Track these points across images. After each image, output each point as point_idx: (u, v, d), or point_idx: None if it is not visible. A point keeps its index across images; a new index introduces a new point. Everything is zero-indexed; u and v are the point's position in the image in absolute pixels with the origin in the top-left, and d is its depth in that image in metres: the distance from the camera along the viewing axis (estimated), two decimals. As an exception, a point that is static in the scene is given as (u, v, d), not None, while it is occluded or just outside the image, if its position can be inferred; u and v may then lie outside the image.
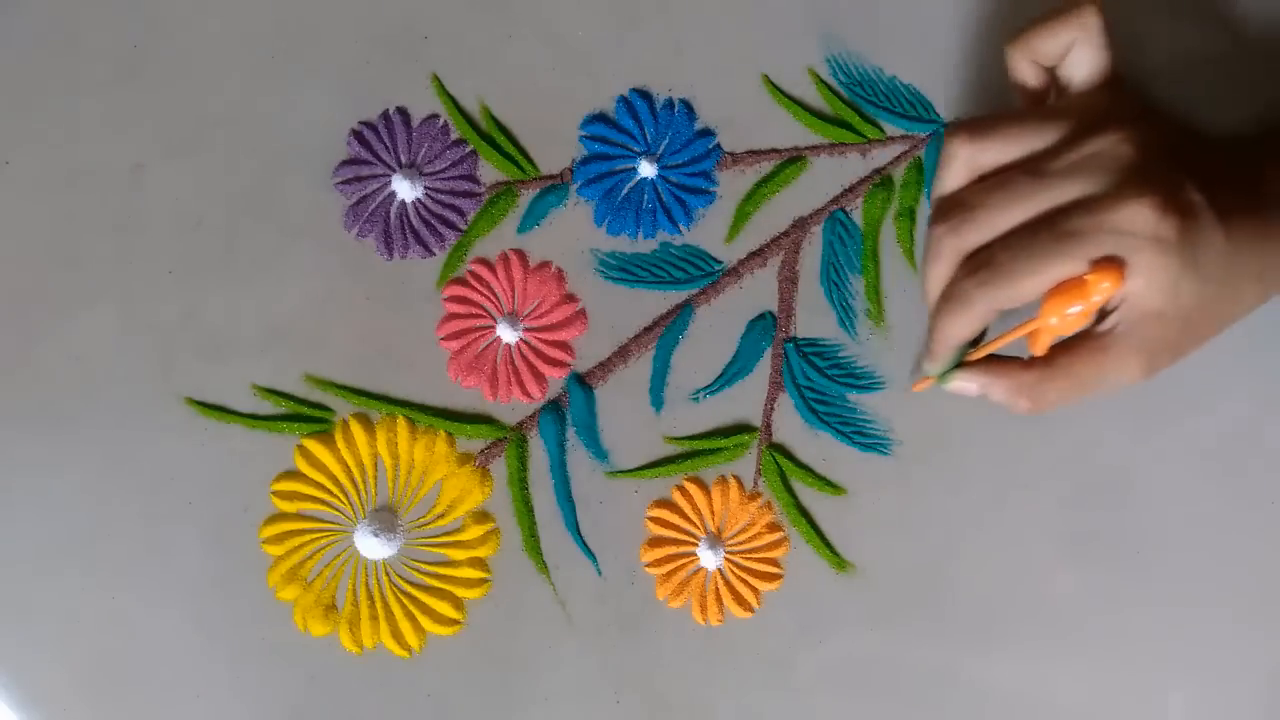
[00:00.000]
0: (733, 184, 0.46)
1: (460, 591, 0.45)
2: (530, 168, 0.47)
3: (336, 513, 0.45)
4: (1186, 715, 0.44)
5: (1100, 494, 0.45)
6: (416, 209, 0.47)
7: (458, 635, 0.45)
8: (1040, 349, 0.38)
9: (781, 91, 0.47)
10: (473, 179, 0.47)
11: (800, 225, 0.46)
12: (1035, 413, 0.39)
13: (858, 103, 0.47)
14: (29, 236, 0.47)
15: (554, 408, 0.46)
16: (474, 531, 0.45)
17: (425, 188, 0.47)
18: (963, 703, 0.44)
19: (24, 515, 0.45)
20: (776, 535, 0.45)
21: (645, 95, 0.47)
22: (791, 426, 0.46)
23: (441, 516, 0.45)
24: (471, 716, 0.45)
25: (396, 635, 0.45)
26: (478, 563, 0.45)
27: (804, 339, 0.46)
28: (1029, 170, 0.37)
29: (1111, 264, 0.35)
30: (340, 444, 0.46)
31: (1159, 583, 0.45)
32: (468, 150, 0.47)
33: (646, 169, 0.46)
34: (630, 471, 0.45)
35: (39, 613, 0.45)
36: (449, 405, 0.46)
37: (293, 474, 0.45)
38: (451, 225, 0.47)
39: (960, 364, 0.40)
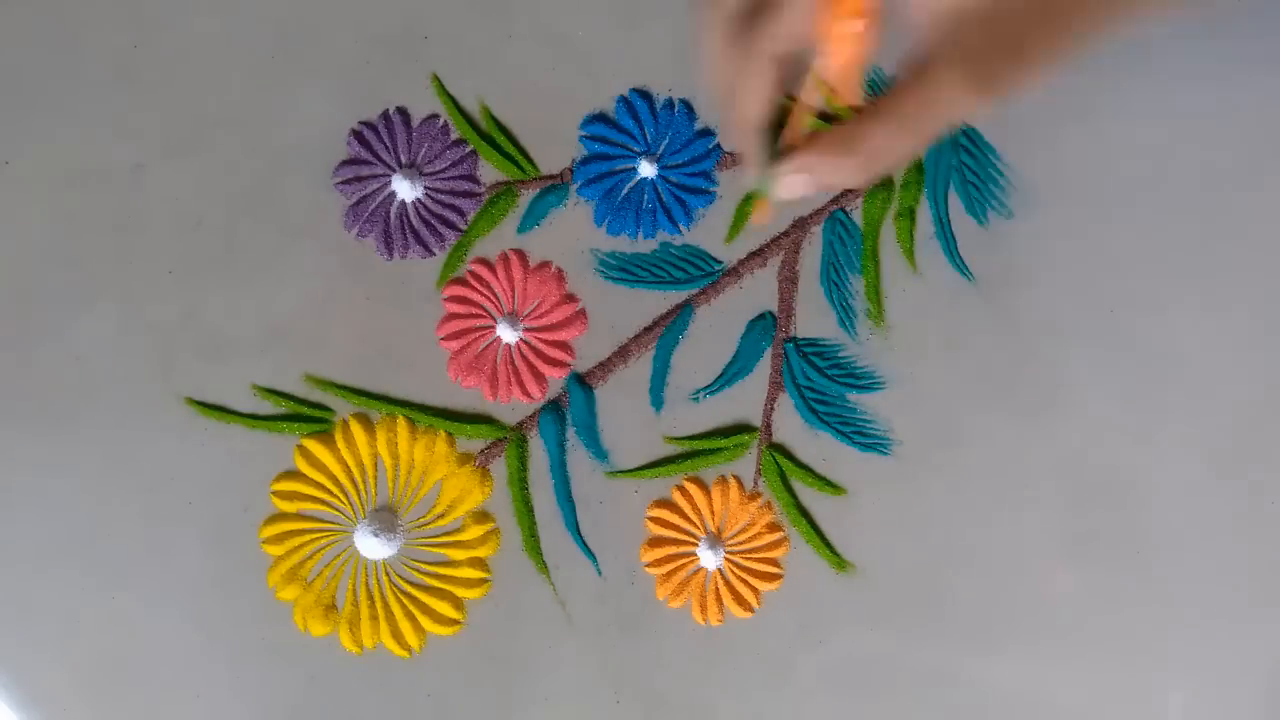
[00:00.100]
0: (733, 184, 0.46)
1: (460, 591, 0.45)
2: (530, 168, 0.47)
3: (336, 513, 0.45)
4: (1186, 715, 0.44)
5: (1100, 494, 0.45)
6: (416, 209, 0.47)
7: (458, 635, 0.45)
8: (849, 89, 0.33)
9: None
10: (473, 179, 0.47)
11: (800, 225, 0.46)
12: (871, 171, 0.33)
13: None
14: (29, 236, 0.47)
15: (554, 408, 0.46)
16: (474, 531, 0.45)
17: (425, 188, 0.47)
18: (963, 702, 0.44)
19: (24, 515, 0.45)
20: (776, 535, 0.45)
21: (645, 95, 0.47)
22: (791, 426, 0.46)
23: (441, 516, 0.45)
24: (471, 716, 0.45)
25: (396, 635, 0.45)
26: (478, 563, 0.45)
27: (804, 339, 0.46)
28: None
29: None
30: (340, 444, 0.46)
31: (1159, 583, 0.45)
32: (468, 150, 0.47)
33: (646, 169, 0.46)
34: (630, 471, 0.45)
35: (39, 613, 0.45)
36: (449, 405, 0.46)
37: (293, 474, 0.45)
38: (451, 225, 0.47)
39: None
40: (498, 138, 0.47)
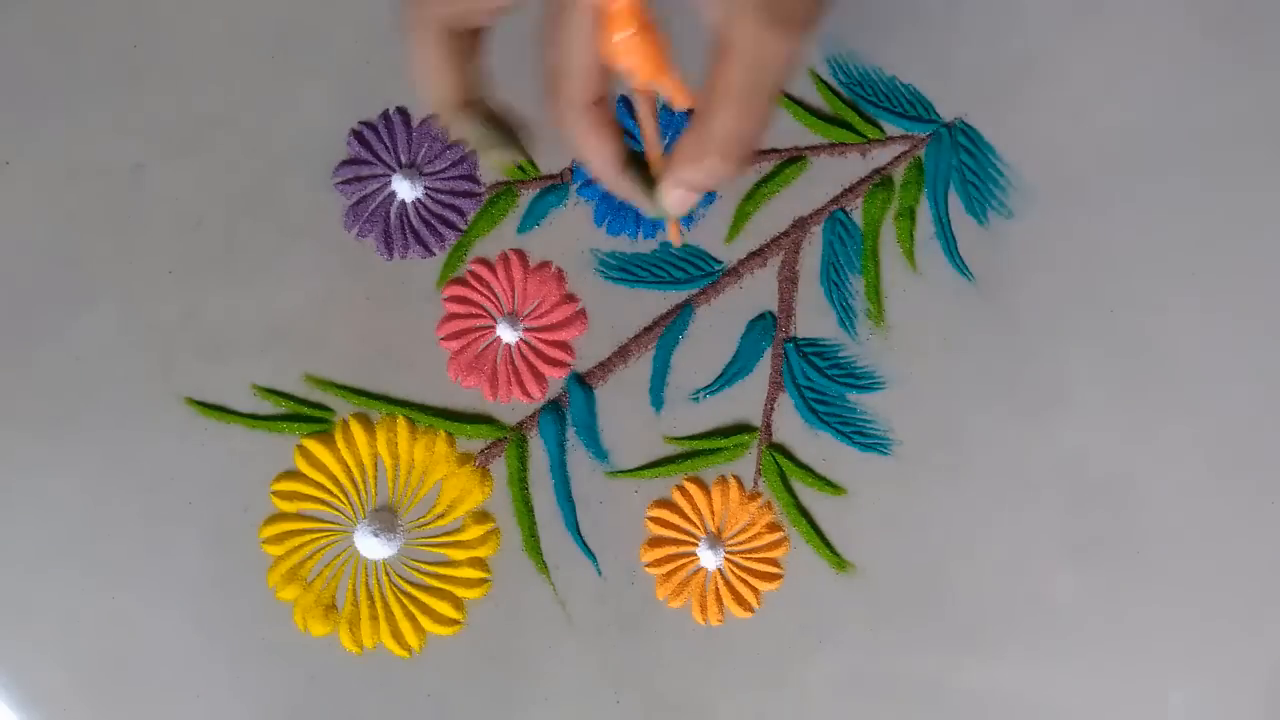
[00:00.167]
0: (733, 184, 0.46)
1: (460, 591, 0.45)
2: (530, 168, 0.47)
3: (336, 513, 0.45)
4: (1186, 715, 0.44)
5: (1100, 494, 0.45)
6: (416, 209, 0.47)
7: (458, 635, 0.45)
8: (672, 94, 0.32)
9: (781, 91, 0.47)
10: (473, 179, 0.47)
11: (800, 225, 0.46)
12: (737, 157, 0.32)
13: (857, 103, 0.47)
14: (29, 236, 0.47)
15: (554, 408, 0.46)
16: (474, 531, 0.45)
17: (425, 188, 0.47)
18: (963, 702, 0.44)
19: (24, 515, 0.45)
20: (776, 535, 0.45)
21: (645, 95, 0.47)
22: (791, 426, 0.46)
23: (441, 516, 0.45)
24: (471, 716, 0.45)
25: (396, 635, 0.45)
26: (478, 563, 0.45)
27: (804, 339, 0.46)
28: None
29: None
30: (340, 444, 0.46)
31: (1159, 583, 0.45)
32: (468, 150, 0.47)
33: (646, 169, 0.46)
34: (630, 471, 0.45)
35: (39, 613, 0.45)
36: (449, 405, 0.46)
37: (293, 474, 0.45)
38: (451, 225, 0.47)
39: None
40: (498, 138, 0.47)
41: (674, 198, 0.34)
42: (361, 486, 0.45)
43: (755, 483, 0.45)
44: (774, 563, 0.45)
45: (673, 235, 0.38)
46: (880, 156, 0.47)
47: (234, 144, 0.47)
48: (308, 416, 0.46)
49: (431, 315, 0.46)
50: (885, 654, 0.45)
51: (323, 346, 0.46)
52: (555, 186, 0.47)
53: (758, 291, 0.46)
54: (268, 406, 0.46)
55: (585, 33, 0.30)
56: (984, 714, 0.44)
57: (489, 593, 0.45)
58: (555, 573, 0.45)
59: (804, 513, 0.45)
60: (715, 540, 0.45)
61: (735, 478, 0.45)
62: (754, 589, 0.45)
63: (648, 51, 0.30)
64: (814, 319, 0.46)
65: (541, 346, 0.46)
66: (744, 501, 0.45)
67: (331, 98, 0.47)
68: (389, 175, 0.47)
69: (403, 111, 0.47)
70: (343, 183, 0.47)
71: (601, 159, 0.33)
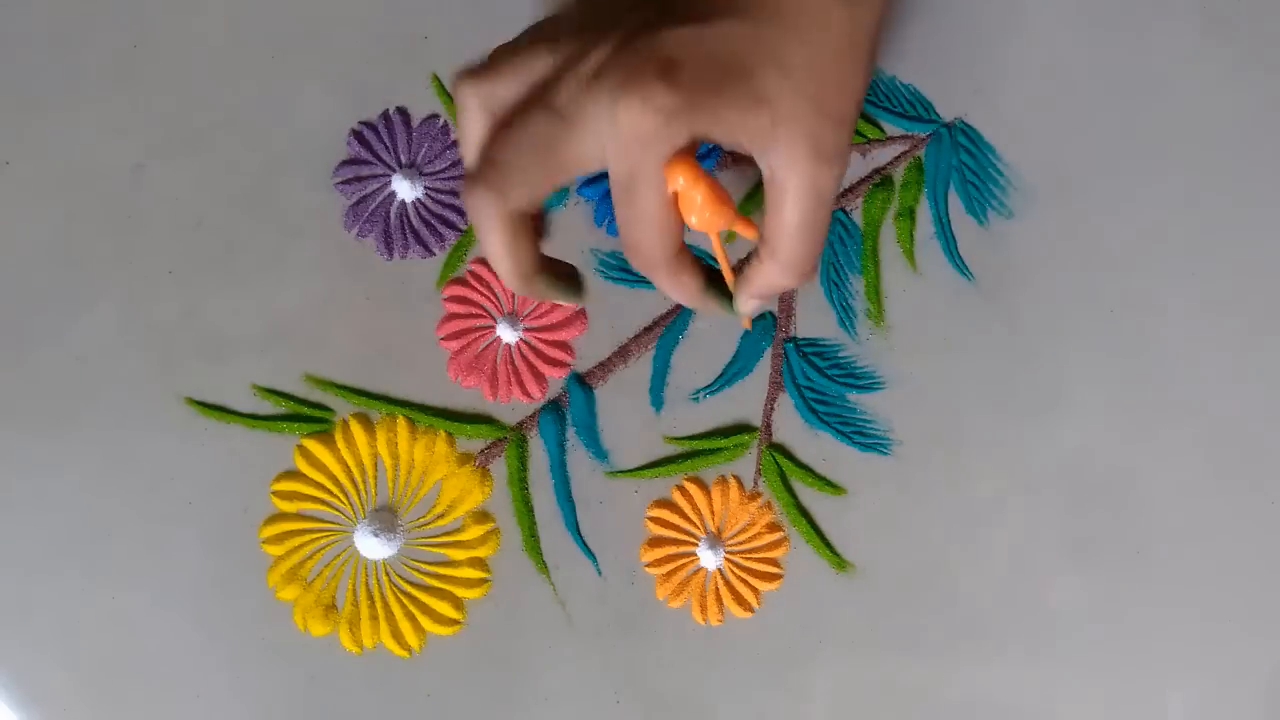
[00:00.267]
0: (733, 184, 0.46)
1: (460, 591, 0.45)
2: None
3: (336, 513, 0.45)
4: (1186, 715, 0.44)
5: (1100, 494, 0.45)
6: (416, 209, 0.47)
7: (458, 635, 0.45)
8: (739, 229, 0.36)
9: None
10: (473, 179, 0.47)
11: (800, 225, 0.46)
12: (809, 276, 0.36)
13: (858, 103, 0.47)
14: (29, 236, 0.47)
15: (554, 408, 0.46)
16: (474, 531, 0.45)
17: (425, 188, 0.47)
18: (962, 702, 0.44)
19: (24, 515, 0.45)
20: (776, 535, 0.45)
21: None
22: (791, 426, 0.46)
23: (441, 516, 0.45)
24: (471, 716, 0.45)
25: (396, 635, 0.45)
26: (478, 563, 0.45)
27: (804, 339, 0.46)
28: (543, 106, 0.34)
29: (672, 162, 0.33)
30: (340, 444, 0.46)
31: (1159, 583, 0.45)
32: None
33: (646, 169, 0.46)
34: (630, 471, 0.45)
35: (39, 613, 0.45)
36: (449, 405, 0.46)
37: (293, 474, 0.45)
38: (451, 225, 0.47)
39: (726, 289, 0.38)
40: (498, 138, 0.47)
41: (750, 308, 0.38)
42: (361, 486, 0.46)
43: (755, 483, 0.45)
44: (774, 563, 0.45)
45: (745, 324, 0.43)
46: (880, 156, 0.47)
47: (234, 144, 0.47)
48: (308, 416, 0.46)
49: (431, 315, 0.46)
50: (885, 654, 0.45)
51: (323, 346, 0.46)
52: (555, 186, 0.47)
53: (758, 291, 0.46)
54: (268, 406, 0.46)
55: (656, 205, 0.34)
56: (984, 713, 0.44)
57: (489, 593, 0.45)
58: (555, 573, 0.45)
59: (804, 513, 0.45)
60: (715, 540, 0.45)
61: (735, 478, 0.45)
62: (754, 589, 0.45)
63: (712, 207, 0.34)
64: (814, 319, 0.46)
65: (541, 346, 0.46)
66: (744, 501, 0.45)
67: (331, 98, 0.47)
68: (389, 175, 0.47)
69: (403, 111, 0.47)
70: (343, 183, 0.47)
71: (686, 295, 0.37)
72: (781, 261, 0.35)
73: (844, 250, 0.46)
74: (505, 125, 0.35)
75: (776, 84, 0.33)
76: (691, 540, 0.45)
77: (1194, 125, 0.46)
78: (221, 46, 0.47)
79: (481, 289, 0.46)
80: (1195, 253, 0.46)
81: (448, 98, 0.47)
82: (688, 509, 0.45)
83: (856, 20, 0.34)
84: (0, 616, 0.45)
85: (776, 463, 0.45)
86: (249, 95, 0.47)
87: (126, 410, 0.46)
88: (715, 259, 0.38)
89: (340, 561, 0.45)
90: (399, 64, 0.47)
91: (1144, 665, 0.44)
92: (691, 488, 0.45)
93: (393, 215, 0.47)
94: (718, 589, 0.45)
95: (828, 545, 0.45)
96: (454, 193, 0.47)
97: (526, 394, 0.46)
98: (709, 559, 0.45)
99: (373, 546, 0.45)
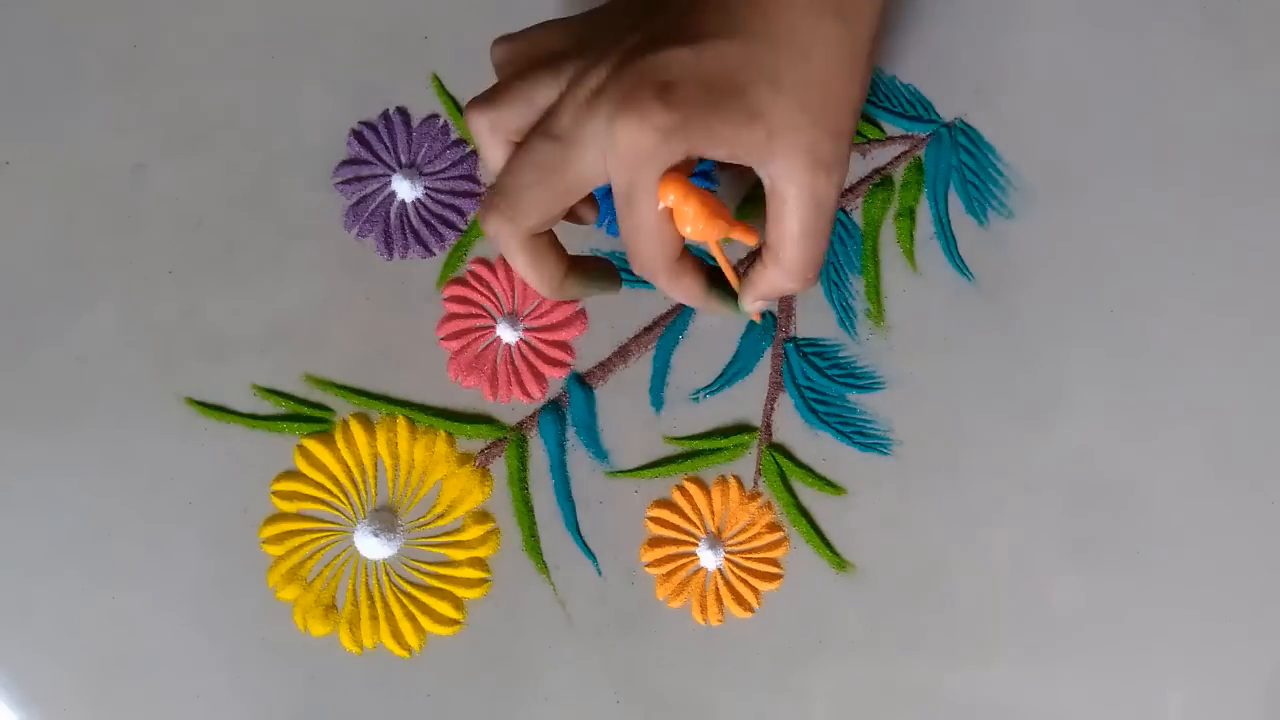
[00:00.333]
0: (732, 184, 0.46)
1: (460, 591, 0.45)
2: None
3: (336, 513, 0.45)
4: (1186, 715, 0.44)
5: (1100, 494, 0.45)
6: (416, 209, 0.47)
7: (458, 635, 0.45)
8: (746, 238, 0.36)
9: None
10: (473, 179, 0.47)
11: (800, 225, 0.46)
12: (812, 281, 0.37)
13: (858, 103, 0.47)
14: (29, 236, 0.47)
15: (554, 408, 0.46)
16: (474, 531, 0.45)
17: (425, 188, 0.47)
18: (962, 702, 0.44)
19: (24, 515, 0.45)
20: (776, 535, 0.45)
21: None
22: (791, 426, 0.46)
23: (441, 516, 0.45)
24: (471, 716, 0.45)
25: (396, 635, 0.45)
26: (478, 563, 0.45)
27: (804, 339, 0.46)
28: (544, 133, 0.36)
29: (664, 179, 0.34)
30: (340, 444, 0.46)
31: (1159, 583, 0.45)
32: (468, 150, 0.47)
33: (646, 169, 0.46)
34: (630, 471, 0.45)
35: (39, 613, 0.45)
36: (449, 405, 0.46)
37: (293, 474, 0.45)
38: (451, 225, 0.47)
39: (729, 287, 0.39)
40: (498, 138, 0.47)
41: (755, 308, 0.39)
42: (361, 486, 0.46)
43: (755, 483, 0.45)
44: (774, 563, 0.45)
45: (755, 317, 0.42)
46: (880, 156, 0.47)
47: (234, 144, 0.47)
48: (308, 416, 0.46)
49: (431, 315, 0.46)
50: (885, 654, 0.45)
51: (323, 346, 0.46)
52: (555, 186, 0.47)
53: (758, 291, 0.46)
54: (268, 406, 0.46)
55: (654, 218, 0.35)
56: (984, 713, 0.44)
57: (489, 593, 0.45)
58: (555, 573, 0.45)
59: (804, 513, 0.45)
60: (715, 540, 0.45)
61: (735, 478, 0.45)
62: (754, 589, 0.45)
63: (705, 220, 0.35)
64: (814, 319, 0.46)
65: (541, 346, 0.46)
66: (744, 501, 0.45)
67: (331, 98, 0.47)
68: (389, 175, 0.47)
69: (403, 111, 0.47)
70: (343, 183, 0.47)
71: (689, 296, 0.38)
72: (785, 268, 0.36)
73: (844, 250, 0.46)
74: (515, 151, 0.37)
75: (770, 99, 0.34)
76: (691, 540, 0.45)
77: (1194, 125, 0.46)
78: (221, 46, 0.47)
79: (481, 289, 0.46)
80: (1195, 253, 0.46)
81: (448, 98, 0.47)
82: (688, 509, 0.45)
83: (849, 36, 0.35)
84: (0, 616, 0.45)
85: (776, 463, 0.45)
86: (249, 95, 0.47)
87: (126, 410, 0.46)
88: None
89: (340, 561, 0.45)
90: (399, 64, 0.47)
91: (1144, 665, 0.44)
92: (691, 488, 0.45)
93: (393, 215, 0.47)
94: (718, 589, 0.45)
95: (828, 545, 0.45)
96: (454, 193, 0.47)
97: (526, 394, 0.46)
98: (709, 559, 0.45)
99: (373, 546, 0.45)
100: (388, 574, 0.45)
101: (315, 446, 0.45)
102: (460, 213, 0.47)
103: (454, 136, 0.47)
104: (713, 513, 0.45)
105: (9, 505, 0.45)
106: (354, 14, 0.47)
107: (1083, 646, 0.45)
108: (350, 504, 0.45)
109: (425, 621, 0.45)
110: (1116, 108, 0.47)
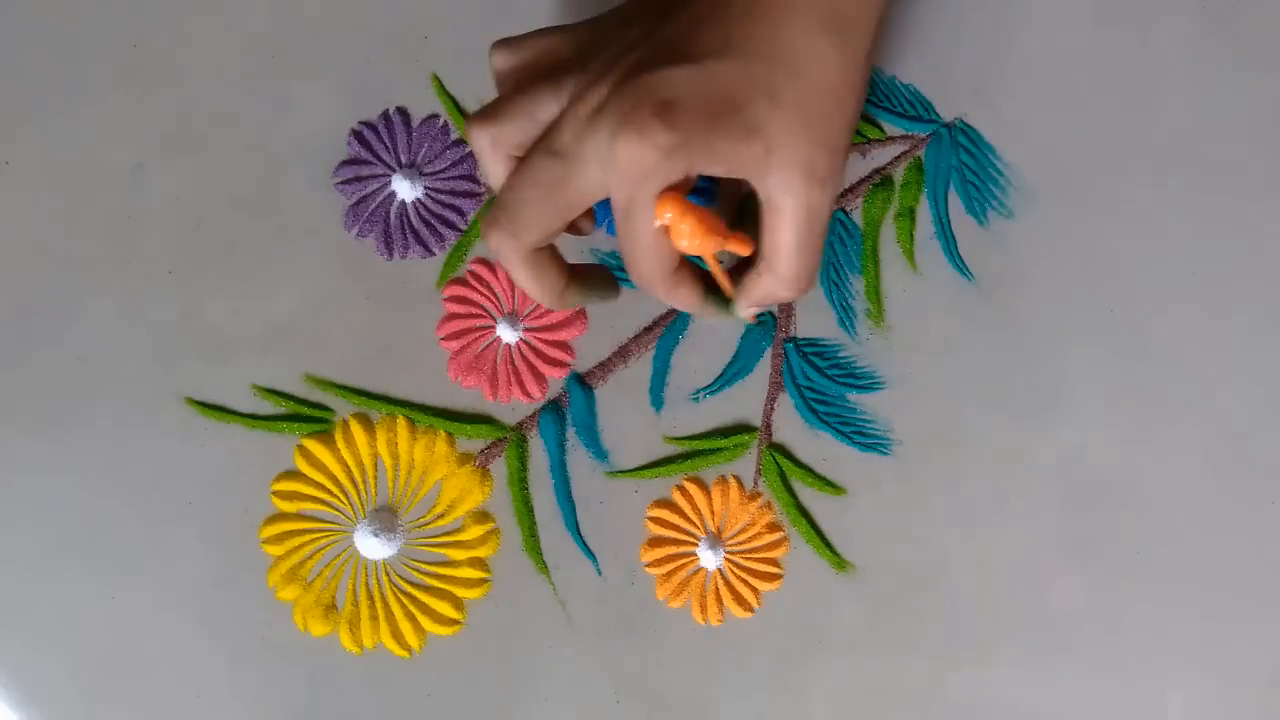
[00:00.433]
0: (728, 193, 0.46)
1: (460, 591, 0.45)
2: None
3: (336, 513, 0.45)
4: (1186, 715, 0.44)
5: (1100, 494, 0.45)
6: (416, 209, 0.47)
7: (458, 635, 0.45)
8: (741, 249, 0.37)
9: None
10: (473, 179, 0.47)
11: (800, 225, 0.46)
12: (807, 287, 0.37)
13: (858, 103, 0.47)
14: (29, 236, 0.47)
15: (554, 408, 0.46)
16: (474, 531, 0.45)
17: (425, 188, 0.47)
18: (962, 702, 0.44)
19: (24, 515, 0.45)
20: (776, 535, 0.45)
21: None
22: (791, 426, 0.46)
23: (441, 516, 0.45)
24: (471, 716, 0.45)
25: (396, 635, 0.45)
26: (478, 563, 0.45)
27: (804, 339, 0.46)
28: (545, 149, 0.36)
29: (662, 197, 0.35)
30: (340, 444, 0.46)
31: (1159, 583, 0.45)
32: (468, 150, 0.47)
33: (646, 169, 0.46)
34: (630, 471, 0.45)
35: (39, 613, 0.45)
36: (449, 405, 0.46)
37: (293, 474, 0.45)
38: (451, 225, 0.47)
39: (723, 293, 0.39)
40: (498, 138, 0.47)
41: (750, 315, 0.39)
42: (361, 486, 0.46)
43: (755, 483, 0.45)
44: (774, 563, 0.45)
45: (750, 319, 0.43)
46: (880, 156, 0.47)
47: (234, 144, 0.47)
48: (308, 416, 0.46)
49: (431, 315, 0.46)
50: (885, 653, 0.45)
51: (323, 346, 0.46)
52: (555, 186, 0.47)
53: (758, 291, 0.46)
54: (268, 406, 0.46)
55: (651, 233, 0.35)
56: (984, 713, 0.44)
57: (489, 593, 0.45)
58: (555, 573, 0.45)
59: (804, 513, 0.45)
60: (715, 540, 0.45)
61: (735, 478, 0.45)
62: (754, 589, 0.45)
63: (701, 236, 0.35)
64: (814, 319, 0.46)
65: (541, 346, 0.46)
66: (744, 501, 0.45)
67: (331, 98, 0.47)
68: (389, 175, 0.47)
69: (403, 111, 0.47)
70: (343, 183, 0.47)
71: (686, 304, 0.38)
72: (779, 278, 0.37)
73: (844, 250, 0.46)
74: (517, 167, 0.37)
75: (767, 115, 0.34)
76: (691, 540, 0.45)
77: (1194, 125, 0.46)
78: (221, 46, 0.47)
79: (481, 289, 0.46)
80: (1195, 253, 0.46)
81: (448, 98, 0.47)
82: (688, 509, 0.45)
83: (846, 54, 0.36)
84: (0, 616, 0.45)
85: (776, 463, 0.45)
86: (249, 95, 0.47)
87: (126, 410, 0.46)
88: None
89: (340, 561, 0.45)
90: (399, 64, 0.47)
91: (1144, 665, 0.44)
92: (691, 488, 0.45)
93: (393, 215, 0.47)
94: (718, 589, 0.45)
95: (828, 545, 0.45)
96: (454, 193, 0.47)
97: (526, 394, 0.46)
98: (709, 559, 0.45)
99: (373, 546, 0.45)
100: (388, 574, 0.45)
101: (315, 446, 0.45)
102: (460, 213, 0.47)
103: (454, 136, 0.47)
104: (713, 513, 0.45)
105: (9, 505, 0.45)
106: (354, 14, 0.47)
107: (1083, 646, 0.45)
108: (350, 504, 0.45)
109: (425, 621, 0.45)
110: (1116, 108, 0.47)
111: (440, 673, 0.45)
